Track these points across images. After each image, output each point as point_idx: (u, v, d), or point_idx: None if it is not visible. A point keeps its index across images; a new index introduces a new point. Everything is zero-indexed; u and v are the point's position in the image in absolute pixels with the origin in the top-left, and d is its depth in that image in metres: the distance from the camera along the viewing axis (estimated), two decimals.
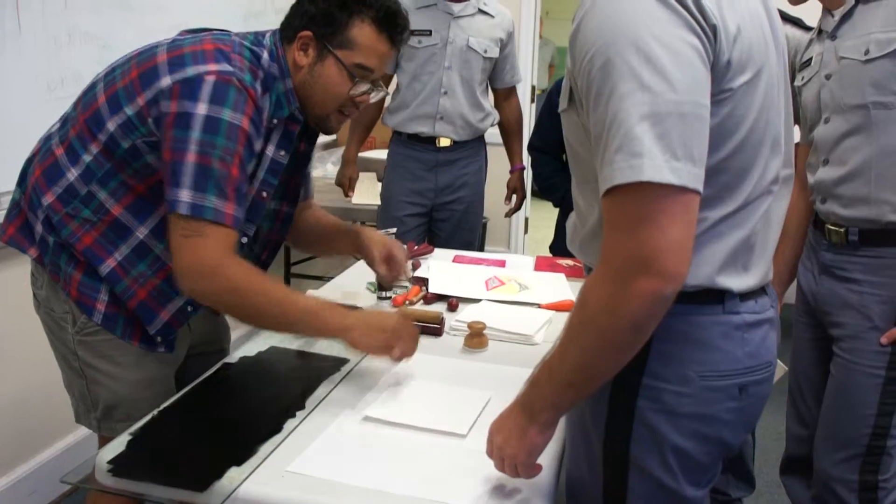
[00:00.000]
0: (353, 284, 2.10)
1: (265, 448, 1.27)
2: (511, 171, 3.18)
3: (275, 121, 1.48)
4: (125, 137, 1.40)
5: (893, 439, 1.68)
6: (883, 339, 1.65)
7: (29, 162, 1.53)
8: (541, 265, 2.35)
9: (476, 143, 3.02)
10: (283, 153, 1.52)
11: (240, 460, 1.22)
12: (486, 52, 2.88)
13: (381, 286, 1.98)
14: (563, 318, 1.06)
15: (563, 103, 1.06)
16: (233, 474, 1.19)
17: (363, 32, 1.47)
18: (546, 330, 1.81)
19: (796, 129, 1.33)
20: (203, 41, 1.42)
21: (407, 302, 1.96)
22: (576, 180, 1.13)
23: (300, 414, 1.38)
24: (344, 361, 1.59)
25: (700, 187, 0.91)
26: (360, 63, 1.48)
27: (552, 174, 2.86)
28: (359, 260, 1.98)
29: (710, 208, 0.99)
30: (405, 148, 2.97)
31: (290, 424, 1.35)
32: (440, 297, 2.01)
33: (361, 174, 3.37)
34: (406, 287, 2.00)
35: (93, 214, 1.44)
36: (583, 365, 0.99)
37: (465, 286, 2.07)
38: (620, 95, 0.90)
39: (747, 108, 0.99)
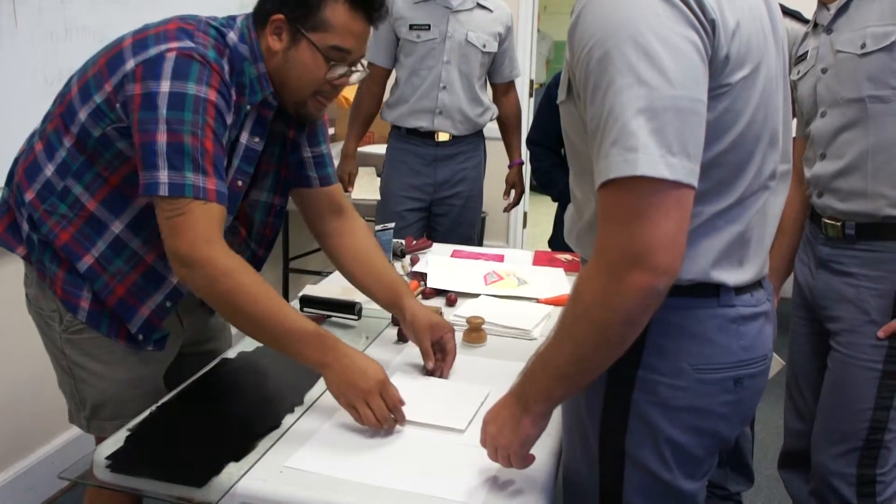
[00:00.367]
0: None
1: (263, 444, 1.27)
2: (510, 166, 3.17)
3: (248, 107, 1.44)
4: (95, 126, 1.37)
5: (891, 433, 1.68)
6: (880, 333, 1.65)
7: (15, 161, 1.51)
8: (539, 260, 2.36)
9: (475, 137, 3.02)
10: (257, 140, 1.48)
11: (238, 456, 1.23)
12: (484, 46, 2.88)
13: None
14: None
15: (561, 94, 1.06)
16: (231, 470, 1.19)
17: (337, 13, 1.38)
18: (544, 325, 1.81)
19: (794, 123, 1.33)
20: (168, 23, 1.39)
21: None
22: (573, 172, 1.13)
23: (298, 409, 1.39)
24: None
25: (695, 182, 0.91)
26: (335, 45, 1.40)
27: (551, 168, 2.86)
28: None
29: (705, 203, 0.99)
30: (404, 143, 2.97)
31: (288, 420, 1.35)
32: (439, 292, 2.01)
33: (361, 170, 3.37)
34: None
35: (69, 210, 1.42)
36: (576, 357, 1.00)
37: (464, 281, 2.07)
38: (617, 89, 0.90)
39: (745, 102, 0.99)
